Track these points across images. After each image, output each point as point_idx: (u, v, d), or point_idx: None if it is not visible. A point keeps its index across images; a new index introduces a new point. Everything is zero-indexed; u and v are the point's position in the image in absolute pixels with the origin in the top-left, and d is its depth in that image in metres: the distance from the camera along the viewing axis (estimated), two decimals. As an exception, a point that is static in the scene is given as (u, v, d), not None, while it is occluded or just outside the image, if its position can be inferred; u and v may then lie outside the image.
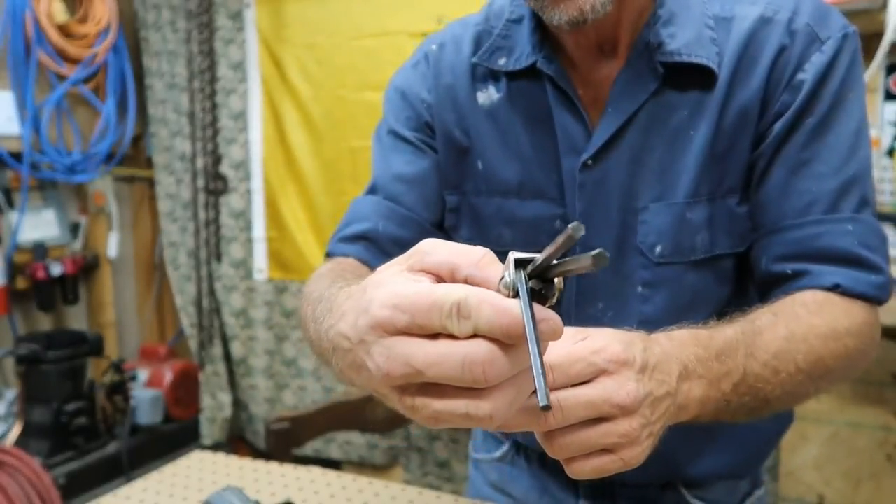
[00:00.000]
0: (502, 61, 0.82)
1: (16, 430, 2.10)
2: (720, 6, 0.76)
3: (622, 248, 0.78)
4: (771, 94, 0.74)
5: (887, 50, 1.49)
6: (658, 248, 0.77)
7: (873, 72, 1.53)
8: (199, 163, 2.43)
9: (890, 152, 1.66)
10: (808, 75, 0.72)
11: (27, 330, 2.35)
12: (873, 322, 0.71)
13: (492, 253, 0.44)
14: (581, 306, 0.81)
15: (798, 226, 0.72)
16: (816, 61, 0.72)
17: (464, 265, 0.42)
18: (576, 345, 0.50)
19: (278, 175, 2.38)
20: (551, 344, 0.46)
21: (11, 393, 2.24)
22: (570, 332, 0.52)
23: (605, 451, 0.51)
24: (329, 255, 0.86)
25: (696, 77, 0.74)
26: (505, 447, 0.99)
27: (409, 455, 2.29)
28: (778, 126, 0.73)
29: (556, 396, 0.48)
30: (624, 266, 0.79)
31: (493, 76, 0.83)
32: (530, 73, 0.80)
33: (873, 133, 1.55)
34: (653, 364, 0.53)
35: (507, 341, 0.39)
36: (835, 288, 0.70)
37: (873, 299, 0.71)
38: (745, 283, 0.81)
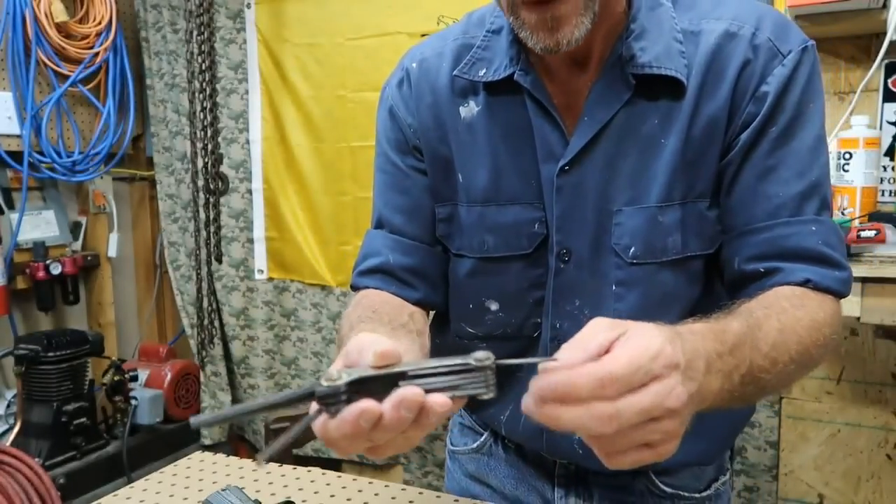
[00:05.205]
0: (482, 72, 0.85)
1: (16, 430, 2.10)
2: (688, 20, 0.80)
3: (598, 248, 0.83)
4: (737, 105, 0.78)
5: (887, 50, 1.49)
6: (632, 249, 0.81)
7: (873, 72, 1.54)
8: (199, 163, 2.43)
9: (890, 152, 1.66)
10: (770, 87, 0.76)
11: (27, 330, 2.35)
12: (840, 313, 0.77)
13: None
14: (559, 304, 0.85)
15: (768, 227, 0.77)
16: (779, 74, 0.76)
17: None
18: (632, 351, 0.51)
19: (278, 175, 2.38)
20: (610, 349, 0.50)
21: (11, 393, 2.24)
22: (605, 323, 0.54)
23: (645, 445, 0.52)
24: (353, 287, 0.94)
25: (665, 88, 0.78)
26: (482, 438, 1.02)
27: (409, 455, 2.29)
28: (744, 136, 0.78)
29: (615, 406, 0.49)
30: (600, 266, 0.83)
31: (473, 89, 0.87)
32: (508, 83, 0.83)
33: (873, 133, 1.55)
34: (687, 362, 0.54)
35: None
36: (805, 283, 0.75)
37: (838, 293, 0.77)
38: (712, 283, 0.85)
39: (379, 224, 0.95)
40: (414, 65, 0.91)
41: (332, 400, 0.49)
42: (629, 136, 0.80)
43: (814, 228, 0.76)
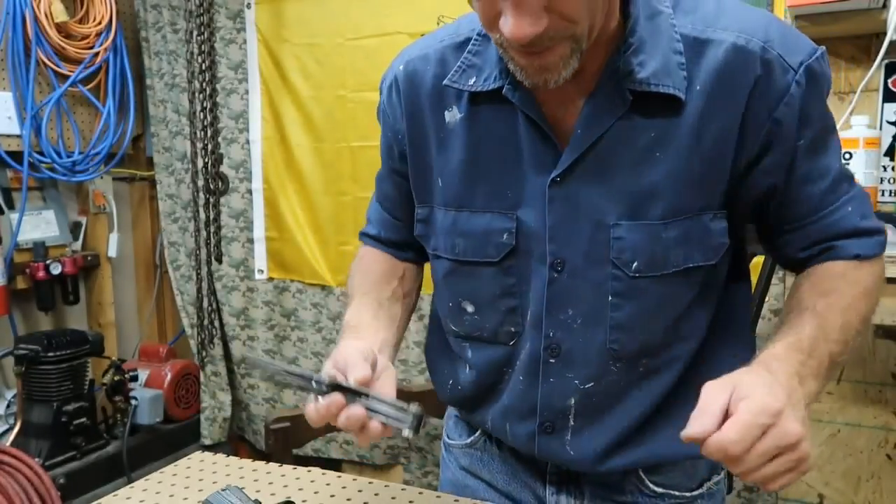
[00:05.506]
0: (472, 81, 0.84)
1: (16, 430, 2.10)
2: (691, 25, 0.78)
3: (593, 259, 0.82)
4: (751, 123, 0.78)
5: (887, 50, 1.49)
6: (634, 265, 0.81)
7: (873, 72, 1.54)
8: (199, 163, 2.43)
9: (890, 152, 1.66)
10: (791, 108, 0.77)
11: (27, 330, 2.35)
12: (883, 267, 0.88)
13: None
14: (552, 313, 0.85)
15: (815, 221, 0.84)
16: (796, 92, 0.77)
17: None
18: (743, 417, 0.63)
19: (278, 175, 2.38)
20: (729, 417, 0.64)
21: (11, 393, 2.24)
22: (717, 387, 0.67)
23: (787, 470, 0.65)
24: (360, 238, 1.09)
25: (663, 102, 0.77)
26: (476, 434, 1.03)
27: (409, 455, 2.29)
28: (780, 159, 0.80)
29: (743, 466, 0.64)
30: (595, 277, 0.83)
31: (458, 95, 0.86)
32: (497, 93, 0.82)
33: (873, 133, 1.56)
34: (788, 395, 0.66)
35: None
36: (856, 257, 0.83)
37: (880, 254, 0.86)
38: (711, 287, 0.86)
39: (378, 199, 1.06)
40: (401, 68, 0.92)
41: (320, 388, 0.73)
42: (623, 148, 0.79)
43: (850, 209, 0.83)
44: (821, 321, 0.77)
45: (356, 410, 0.73)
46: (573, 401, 0.87)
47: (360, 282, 1.00)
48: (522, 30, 0.67)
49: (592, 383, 0.86)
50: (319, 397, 0.73)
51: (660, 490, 0.93)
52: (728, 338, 0.89)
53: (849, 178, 0.85)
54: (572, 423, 0.88)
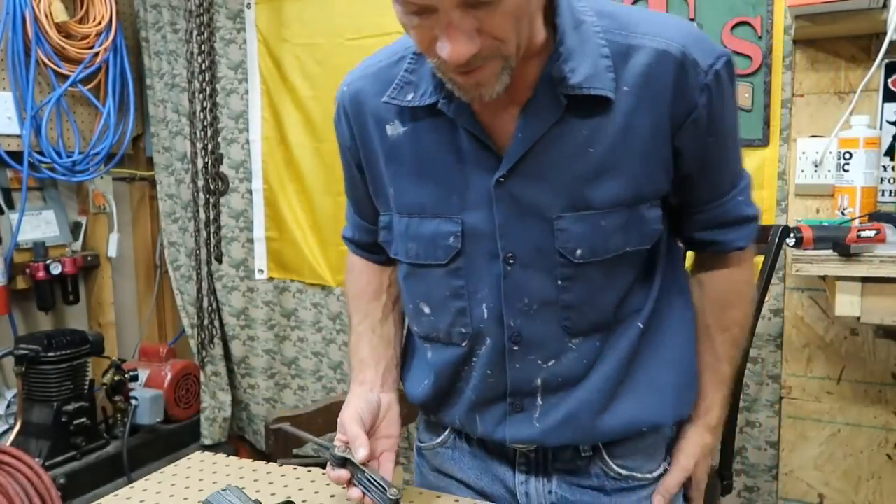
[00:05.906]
0: (410, 97, 0.90)
1: (16, 430, 2.10)
2: (617, 29, 0.84)
3: (542, 251, 0.89)
4: (676, 121, 0.86)
5: (887, 50, 1.49)
6: (578, 252, 0.88)
7: (873, 72, 1.54)
8: (199, 163, 2.43)
9: (890, 152, 1.66)
10: (704, 108, 0.85)
11: (27, 330, 2.35)
12: (755, 251, 1.03)
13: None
14: (510, 304, 0.91)
15: (715, 207, 0.95)
16: (707, 93, 0.85)
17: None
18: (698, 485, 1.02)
19: (278, 175, 2.38)
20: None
21: (11, 393, 2.24)
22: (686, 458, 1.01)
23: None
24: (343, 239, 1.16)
25: (594, 102, 0.84)
26: (445, 433, 1.07)
27: (409, 455, 2.29)
28: (694, 153, 0.89)
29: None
30: (544, 265, 0.89)
31: (399, 109, 0.92)
32: (434, 106, 0.88)
33: (873, 133, 1.56)
34: (710, 448, 1.02)
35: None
36: (738, 249, 0.98)
37: (755, 238, 1.01)
38: (653, 261, 0.95)
39: (350, 202, 1.11)
40: (345, 89, 0.98)
41: (335, 459, 0.90)
42: (560, 147, 0.85)
43: (741, 198, 0.96)
44: (728, 362, 1.01)
45: (354, 492, 0.90)
46: (539, 381, 0.93)
47: (354, 306, 1.10)
48: (458, 52, 0.73)
49: (553, 361, 0.92)
50: (335, 466, 0.91)
51: (624, 472, 0.97)
52: (674, 294, 0.98)
53: (741, 164, 0.97)
54: (540, 401, 0.94)
